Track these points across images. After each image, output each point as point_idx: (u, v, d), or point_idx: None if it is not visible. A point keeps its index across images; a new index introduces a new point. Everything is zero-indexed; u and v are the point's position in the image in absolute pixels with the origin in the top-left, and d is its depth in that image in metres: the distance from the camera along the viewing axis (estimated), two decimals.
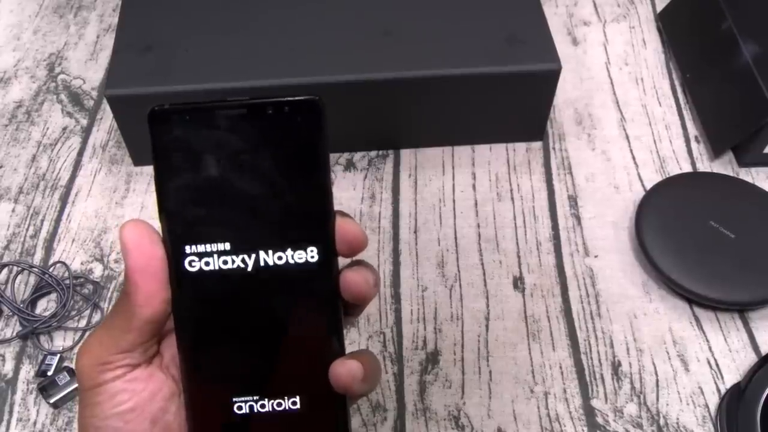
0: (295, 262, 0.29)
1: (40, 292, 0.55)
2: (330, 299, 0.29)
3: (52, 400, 0.50)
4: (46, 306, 0.55)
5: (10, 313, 0.54)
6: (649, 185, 0.61)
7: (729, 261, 0.54)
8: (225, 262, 0.28)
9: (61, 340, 0.53)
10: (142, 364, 0.29)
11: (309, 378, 0.30)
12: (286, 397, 0.29)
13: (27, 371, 0.52)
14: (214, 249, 0.28)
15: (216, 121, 0.28)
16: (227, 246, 0.28)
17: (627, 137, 0.64)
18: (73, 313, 0.54)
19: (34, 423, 0.49)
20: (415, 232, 0.59)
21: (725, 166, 0.62)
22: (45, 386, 0.50)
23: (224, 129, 0.28)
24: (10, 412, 0.50)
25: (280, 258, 0.28)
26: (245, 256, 0.28)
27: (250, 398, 0.29)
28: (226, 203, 0.28)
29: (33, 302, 0.55)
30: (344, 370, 0.29)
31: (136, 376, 0.29)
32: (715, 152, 0.63)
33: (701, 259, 0.54)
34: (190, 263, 0.28)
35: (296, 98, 0.28)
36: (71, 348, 0.53)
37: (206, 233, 0.28)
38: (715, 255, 0.54)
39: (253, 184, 0.28)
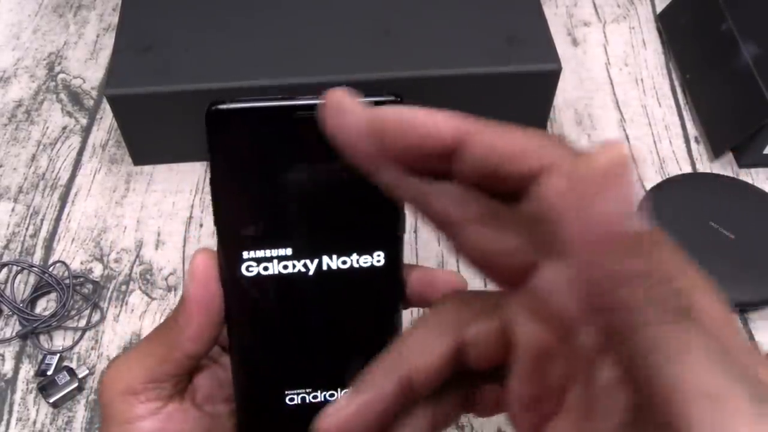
0: (360, 266, 0.27)
1: (39, 291, 0.55)
2: (391, 299, 0.29)
3: (51, 400, 0.49)
4: (45, 305, 0.55)
5: (10, 313, 0.54)
6: (648, 186, 0.61)
7: (729, 261, 0.54)
8: (285, 267, 0.27)
9: (60, 340, 0.53)
10: (174, 397, 0.28)
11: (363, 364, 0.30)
12: (339, 389, 0.29)
13: (27, 371, 0.52)
14: (275, 254, 0.27)
15: (283, 122, 0.26)
16: (288, 251, 0.27)
17: (627, 138, 0.64)
18: (73, 312, 0.54)
19: (34, 422, 0.49)
20: (415, 232, 0.59)
21: (725, 167, 0.62)
22: (45, 386, 0.50)
23: (292, 130, 0.26)
24: (10, 412, 0.50)
25: (344, 262, 0.27)
26: (307, 261, 0.27)
27: (303, 391, 0.29)
28: (289, 208, 0.27)
29: (33, 302, 0.55)
30: None
31: (170, 414, 0.27)
32: (715, 153, 0.63)
33: (701, 259, 0.53)
34: (247, 268, 0.27)
35: (376, 98, 0.26)
36: (71, 347, 0.53)
37: (267, 239, 0.27)
38: (715, 255, 0.54)
39: (321, 188, 0.26)
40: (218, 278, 0.27)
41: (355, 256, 0.27)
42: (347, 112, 0.23)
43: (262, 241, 0.27)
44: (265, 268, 0.27)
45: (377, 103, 0.26)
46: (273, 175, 0.26)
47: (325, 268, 0.27)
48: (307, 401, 0.29)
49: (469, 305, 0.24)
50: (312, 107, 0.25)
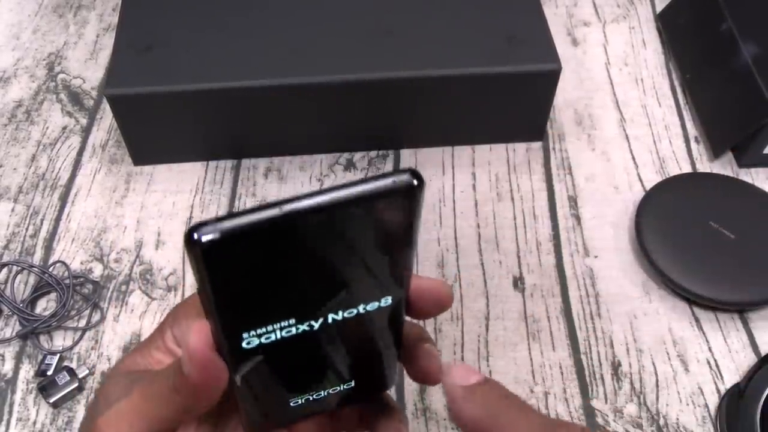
0: (366, 311, 0.26)
1: (39, 291, 0.55)
2: (396, 322, 0.28)
3: (51, 400, 0.49)
4: (45, 305, 0.55)
5: (10, 313, 0.54)
6: (649, 185, 0.61)
7: (729, 261, 0.54)
8: (288, 332, 0.25)
9: (60, 340, 0.53)
10: None
11: (369, 368, 0.30)
12: (342, 385, 0.30)
13: (27, 371, 0.52)
14: (277, 327, 0.25)
15: (280, 237, 0.22)
16: (291, 321, 0.25)
17: (627, 138, 0.65)
18: (73, 312, 0.54)
19: (34, 423, 0.49)
20: None
21: (725, 167, 0.62)
22: (45, 386, 0.50)
23: (291, 241, 0.22)
24: (10, 412, 0.50)
25: (350, 313, 0.26)
26: (312, 322, 0.26)
27: (307, 395, 0.29)
28: (292, 290, 0.24)
29: (33, 302, 0.55)
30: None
31: None
32: (715, 153, 0.63)
33: (701, 259, 0.54)
34: (247, 343, 0.25)
35: (384, 187, 0.22)
36: (71, 348, 0.53)
37: (268, 318, 0.25)
38: (715, 255, 0.54)
39: (328, 270, 0.24)
40: (217, 353, 0.25)
41: (362, 306, 0.26)
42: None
43: (264, 321, 0.25)
44: (267, 338, 0.25)
45: (387, 197, 0.23)
46: (270, 274, 0.23)
47: (330, 321, 0.26)
48: (311, 399, 0.30)
49: None
50: (318, 212, 0.22)
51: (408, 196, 0.23)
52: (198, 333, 0.25)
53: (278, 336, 0.25)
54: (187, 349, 0.25)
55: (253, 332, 0.25)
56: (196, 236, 0.21)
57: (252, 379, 0.27)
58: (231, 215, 0.21)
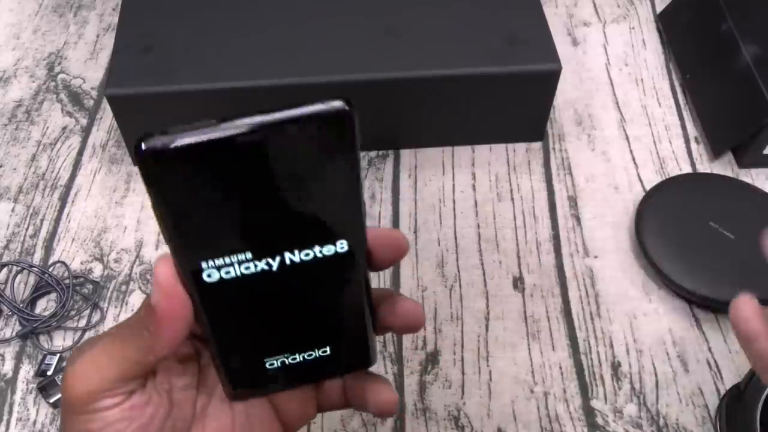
0: (323, 255, 0.27)
1: (39, 291, 0.55)
2: (358, 271, 0.29)
3: (51, 400, 0.49)
4: (45, 306, 0.55)
5: (10, 313, 0.54)
6: (648, 186, 0.61)
7: (729, 261, 0.54)
8: (247, 268, 0.27)
9: (60, 340, 0.53)
10: (138, 387, 0.28)
11: (340, 330, 0.30)
12: (316, 349, 0.30)
13: (26, 371, 0.52)
14: (234, 260, 0.26)
15: (222, 153, 0.24)
16: (248, 255, 0.26)
17: (627, 138, 0.65)
18: (73, 312, 0.54)
19: (34, 423, 0.49)
20: (415, 232, 0.59)
21: (725, 167, 0.62)
22: (45, 386, 0.50)
23: (233, 158, 0.24)
24: (10, 412, 0.50)
25: (306, 254, 0.27)
26: (269, 259, 0.27)
27: (281, 356, 0.30)
28: (243, 217, 0.26)
29: (33, 302, 0.55)
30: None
31: (134, 403, 0.28)
32: (715, 153, 0.63)
33: (701, 259, 0.54)
34: (209, 275, 0.26)
35: (316, 110, 0.24)
36: (71, 348, 0.53)
37: (223, 248, 0.26)
38: (715, 255, 0.54)
39: (274, 197, 0.25)
40: (183, 286, 0.26)
41: (317, 248, 0.27)
42: None
43: (220, 250, 0.26)
44: (227, 273, 0.26)
45: (317, 119, 0.24)
46: (219, 195, 0.25)
47: (288, 263, 0.27)
48: (287, 363, 0.30)
49: None
50: (253, 131, 0.24)
51: (340, 121, 0.24)
52: (165, 262, 0.26)
53: (238, 272, 0.26)
54: (155, 277, 0.26)
55: (210, 262, 0.26)
56: (143, 147, 0.23)
57: (221, 325, 0.28)
58: (177, 129, 0.23)
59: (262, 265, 0.27)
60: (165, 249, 0.59)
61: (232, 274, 0.26)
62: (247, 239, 0.26)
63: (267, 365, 0.30)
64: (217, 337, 0.28)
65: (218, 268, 0.26)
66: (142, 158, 0.24)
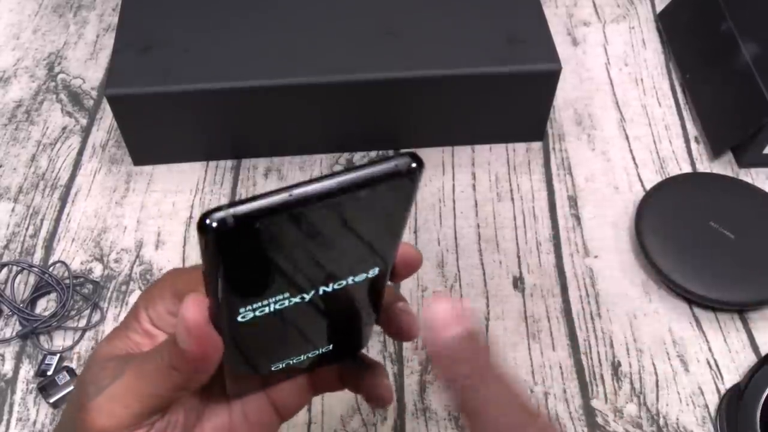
0: (355, 282, 0.27)
1: (39, 291, 0.55)
2: (382, 288, 0.29)
3: (51, 400, 0.49)
4: (45, 306, 0.55)
5: (10, 313, 0.54)
6: (648, 185, 0.61)
7: (729, 261, 0.54)
8: (282, 305, 0.26)
9: (60, 340, 0.53)
10: (161, 416, 0.29)
11: (347, 331, 0.31)
12: (321, 348, 0.31)
13: (27, 371, 0.52)
14: (272, 300, 0.26)
15: (292, 221, 0.23)
16: (286, 295, 0.26)
17: (627, 137, 0.65)
18: (73, 312, 0.54)
19: (34, 423, 0.49)
20: (415, 232, 0.59)
21: (725, 167, 0.62)
22: (45, 386, 0.50)
23: (303, 224, 0.23)
24: (10, 412, 0.50)
25: (340, 284, 0.27)
26: (304, 294, 0.27)
27: (288, 359, 0.31)
28: (294, 269, 0.25)
29: (33, 302, 0.55)
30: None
31: (157, 429, 0.28)
32: (715, 152, 0.63)
33: (701, 259, 0.54)
34: (243, 317, 0.26)
35: (391, 170, 0.24)
36: (71, 348, 0.53)
37: (268, 294, 0.26)
38: (715, 255, 0.54)
39: (329, 248, 0.25)
40: (212, 325, 0.26)
41: (351, 279, 0.27)
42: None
43: (262, 297, 0.26)
44: (262, 311, 0.26)
45: (390, 178, 0.24)
46: (278, 255, 0.24)
47: (321, 293, 0.27)
48: (292, 364, 0.31)
49: None
50: (326, 197, 0.23)
51: (409, 178, 0.24)
52: (195, 307, 0.25)
53: (272, 309, 0.26)
54: (185, 323, 0.25)
55: (250, 307, 0.26)
56: (208, 222, 0.22)
57: (239, 344, 0.28)
58: (242, 201, 0.22)
59: (296, 299, 0.27)
60: (165, 249, 0.59)
61: (266, 311, 0.26)
62: (291, 284, 0.26)
63: (272, 368, 0.31)
64: (232, 351, 0.28)
65: (254, 310, 0.26)
66: (207, 232, 0.22)
